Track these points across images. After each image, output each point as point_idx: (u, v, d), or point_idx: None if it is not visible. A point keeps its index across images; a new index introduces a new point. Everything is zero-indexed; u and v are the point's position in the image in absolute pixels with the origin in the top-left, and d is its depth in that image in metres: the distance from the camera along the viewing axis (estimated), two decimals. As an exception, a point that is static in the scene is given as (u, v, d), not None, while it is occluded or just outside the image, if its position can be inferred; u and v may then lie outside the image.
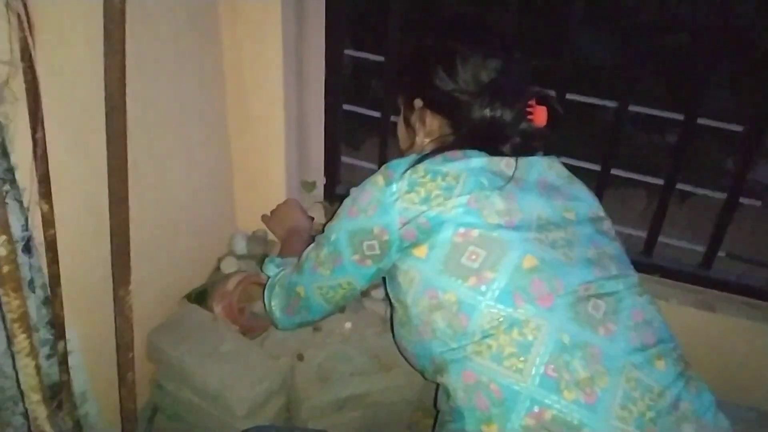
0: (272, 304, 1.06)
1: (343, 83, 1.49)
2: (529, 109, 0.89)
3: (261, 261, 1.36)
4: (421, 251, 0.84)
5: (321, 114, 1.49)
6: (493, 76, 0.91)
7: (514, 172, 0.87)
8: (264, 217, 1.44)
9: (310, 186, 1.55)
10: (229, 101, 1.37)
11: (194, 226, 1.35)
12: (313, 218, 1.40)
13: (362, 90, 2.35)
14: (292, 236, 1.29)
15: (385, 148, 1.52)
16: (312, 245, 1.01)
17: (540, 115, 0.90)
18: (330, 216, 1.57)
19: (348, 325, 1.30)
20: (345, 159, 1.60)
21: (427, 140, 0.98)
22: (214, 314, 1.27)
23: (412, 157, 0.88)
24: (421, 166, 0.86)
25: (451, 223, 0.82)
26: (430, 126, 0.97)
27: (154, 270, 1.23)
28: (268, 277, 1.11)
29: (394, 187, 0.85)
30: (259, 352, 1.22)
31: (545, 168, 0.93)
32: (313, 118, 1.49)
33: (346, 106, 1.52)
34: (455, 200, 0.82)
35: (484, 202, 0.83)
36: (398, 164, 0.88)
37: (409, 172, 0.85)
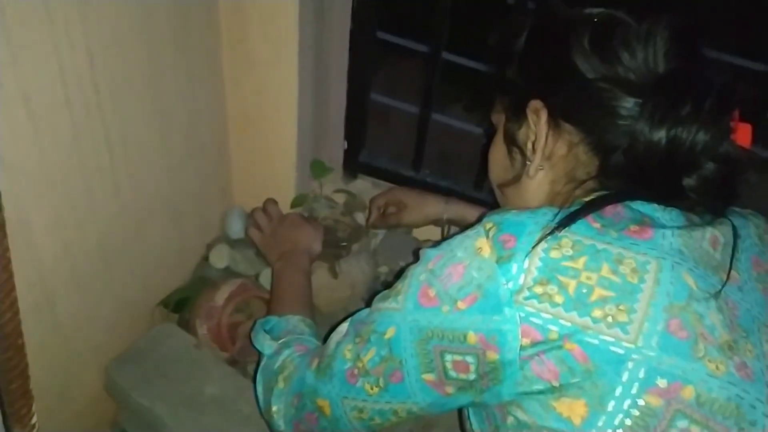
0: (273, 409, 0.70)
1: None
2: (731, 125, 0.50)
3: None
4: (571, 409, 0.46)
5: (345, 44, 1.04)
6: (675, 66, 0.51)
7: (731, 260, 0.50)
8: (252, 231, 1.03)
9: (319, 168, 1.11)
10: (224, 33, 0.95)
11: (174, 201, 0.98)
12: (322, 230, 1.02)
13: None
14: (289, 266, 0.92)
15: (430, 98, 1.04)
16: (346, 329, 0.64)
17: (744, 136, 0.51)
18: (349, 201, 1.12)
19: None
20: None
21: (546, 174, 0.59)
22: (198, 337, 0.95)
23: (543, 212, 0.50)
24: (569, 237, 0.48)
25: (640, 367, 0.45)
26: (555, 150, 0.58)
27: (120, 265, 0.89)
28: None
29: (514, 268, 0.48)
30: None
31: (755, 239, 0.54)
32: (337, 51, 1.05)
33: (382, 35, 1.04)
34: (644, 323, 0.45)
35: (698, 327, 0.46)
36: (518, 223, 0.49)
37: (544, 244, 0.48)
